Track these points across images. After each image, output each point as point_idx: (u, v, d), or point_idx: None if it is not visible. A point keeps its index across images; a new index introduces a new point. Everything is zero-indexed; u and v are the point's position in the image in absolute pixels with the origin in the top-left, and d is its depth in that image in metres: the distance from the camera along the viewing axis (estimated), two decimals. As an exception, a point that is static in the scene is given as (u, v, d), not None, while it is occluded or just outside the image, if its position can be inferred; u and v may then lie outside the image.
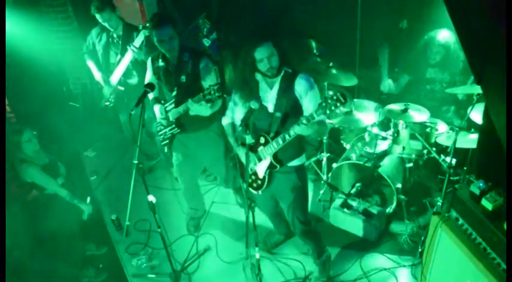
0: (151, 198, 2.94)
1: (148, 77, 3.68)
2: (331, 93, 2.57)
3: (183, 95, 3.42)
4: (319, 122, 2.82)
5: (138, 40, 4.12)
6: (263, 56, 2.75)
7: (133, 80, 4.42)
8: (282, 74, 2.89)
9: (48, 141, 4.38)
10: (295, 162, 3.13)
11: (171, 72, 3.51)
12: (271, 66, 2.78)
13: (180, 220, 4.41)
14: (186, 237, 4.22)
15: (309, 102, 2.89)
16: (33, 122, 4.76)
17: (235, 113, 3.17)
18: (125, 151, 5.49)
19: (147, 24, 3.93)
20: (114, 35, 4.28)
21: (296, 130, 2.75)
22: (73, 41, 5.77)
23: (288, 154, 3.07)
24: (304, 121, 2.67)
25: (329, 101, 2.56)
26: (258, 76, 2.93)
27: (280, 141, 2.89)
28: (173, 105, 3.51)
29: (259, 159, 3.08)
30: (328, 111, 2.58)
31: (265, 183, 3.16)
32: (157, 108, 3.62)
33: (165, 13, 3.43)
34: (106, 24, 4.14)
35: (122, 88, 4.40)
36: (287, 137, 2.85)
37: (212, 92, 3.09)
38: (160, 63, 3.51)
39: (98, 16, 4.07)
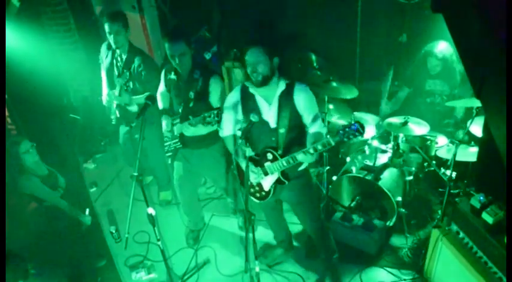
0: (150, 210, 2.93)
1: (161, 89, 3.70)
2: (352, 122, 2.56)
3: (189, 111, 3.43)
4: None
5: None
6: (250, 59, 2.74)
7: (133, 108, 4.11)
8: (282, 88, 2.88)
9: (48, 153, 4.37)
10: (301, 167, 3.15)
11: (181, 87, 3.52)
12: (255, 71, 2.76)
13: (179, 232, 4.38)
14: (185, 249, 4.19)
15: (308, 113, 2.89)
16: (33, 134, 4.77)
17: (233, 122, 3.13)
18: (124, 163, 5.48)
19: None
20: (119, 58, 4.03)
21: (316, 147, 2.70)
22: (75, 53, 5.81)
23: (296, 168, 3.07)
24: (320, 146, 2.67)
25: (347, 130, 2.55)
26: (252, 89, 2.93)
27: (291, 161, 2.86)
28: (179, 120, 3.52)
29: (265, 174, 3.06)
30: (345, 139, 2.57)
31: (270, 195, 3.15)
32: (164, 120, 3.63)
33: (181, 28, 3.42)
34: (112, 38, 3.82)
35: (118, 115, 4.24)
36: (299, 157, 2.80)
37: (212, 116, 3.10)
38: (172, 76, 3.52)
39: (106, 25, 3.81)
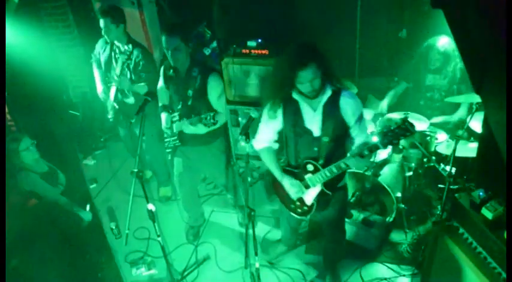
0: (150, 206, 2.93)
1: (160, 84, 3.70)
2: (398, 122, 2.38)
3: (187, 109, 3.44)
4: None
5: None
6: (306, 80, 2.52)
7: (130, 100, 4.16)
8: (328, 95, 2.67)
9: (47, 149, 4.37)
10: (341, 183, 3.02)
11: (179, 84, 3.52)
12: (313, 89, 2.57)
13: (179, 228, 4.39)
14: (185, 245, 4.20)
15: (355, 118, 2.70)
16: (33, 130, 4.76)
17: (270, 133, 2.95)
18: (124, 159, 5.49)
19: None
20: (117, 50, 4.04)
21: (365, 152, 2.52)
22: (74, 49, 5.79)
23: (339, 179, 2.93)
24: (366, 152, 2.52)
25: (396, 131, 2.38)
26: (296, 95, 2.72)
27: (335, 170, 2.70)
28: (178, 118, 3.51)
29: (306, 187, 2.91)
30: (395, 141, 2.40)
31: (313, 209, 2.99)
32: (164, 116, 3.61)
33: (180, 25, 3.43)
34: (103, 32, 3.87)
35: (117, 106, 4.23)
36: (343, 165, 2.65)
37: (208, 118, 3.09)
38: (171, 73, 3.52)
39: (101, 21, 3.84)
